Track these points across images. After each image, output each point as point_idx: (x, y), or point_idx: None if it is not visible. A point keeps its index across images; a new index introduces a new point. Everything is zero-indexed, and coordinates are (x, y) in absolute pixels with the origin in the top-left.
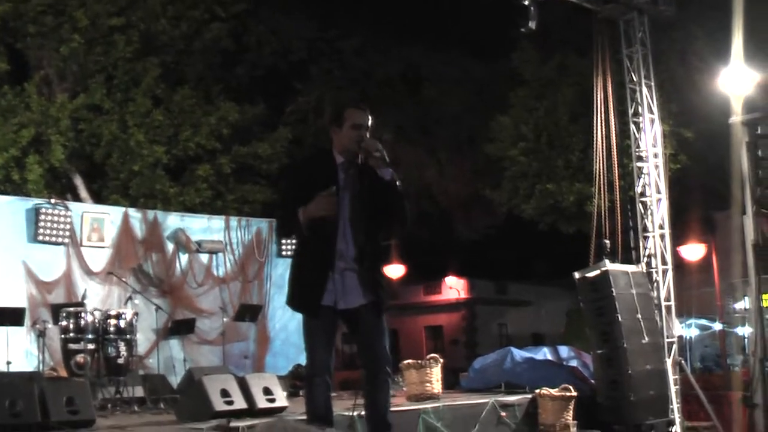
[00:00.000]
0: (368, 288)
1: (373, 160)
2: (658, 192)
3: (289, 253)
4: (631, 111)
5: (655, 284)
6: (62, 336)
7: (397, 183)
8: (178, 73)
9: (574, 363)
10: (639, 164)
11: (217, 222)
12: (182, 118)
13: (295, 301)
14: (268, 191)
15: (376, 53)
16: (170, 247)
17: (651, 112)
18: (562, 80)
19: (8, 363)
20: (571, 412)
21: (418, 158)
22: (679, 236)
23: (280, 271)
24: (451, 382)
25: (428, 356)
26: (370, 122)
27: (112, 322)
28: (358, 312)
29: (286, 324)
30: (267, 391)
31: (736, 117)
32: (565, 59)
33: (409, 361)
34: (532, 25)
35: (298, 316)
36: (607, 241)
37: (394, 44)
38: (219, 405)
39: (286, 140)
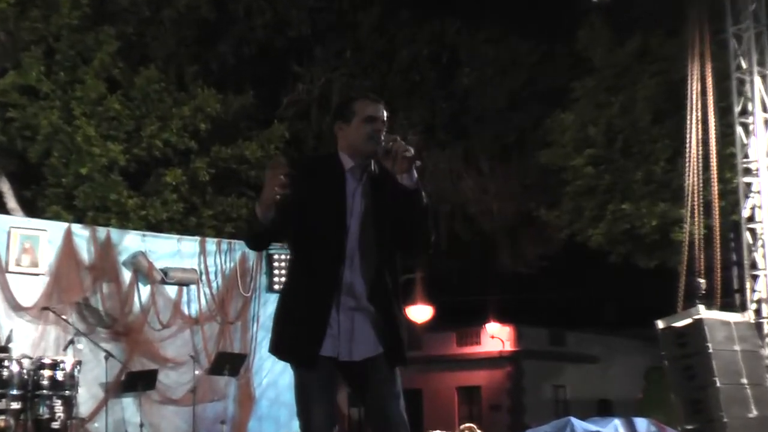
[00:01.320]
0: (382, 334)
1: (396, 162)
2: None
3: (280, 287)
4: (737, 109)
5: (767, 339)
6: None
7: (423, 194)
8: (141, 49)
9: None
10: (746, 179)
11: (190, 244)
12: (146, 107)
13: (283, 347)
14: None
15: (399, 29)
16: (127, 275)
17: (765, 110)
18: (642, 68)
19: None
20: None
21: (451, 167)
22: None
23: (271, 310)
24: None
25: (462, 426)
26: (385, 116)
27: (46, 373)
28: (367, 365)
29: (276, 379)
30: None
31: None
32: (648, 40)
33: (437, 431)
34: None
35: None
36: (702, 280)
37: (422, 18)
38: None
39: (281, 140)
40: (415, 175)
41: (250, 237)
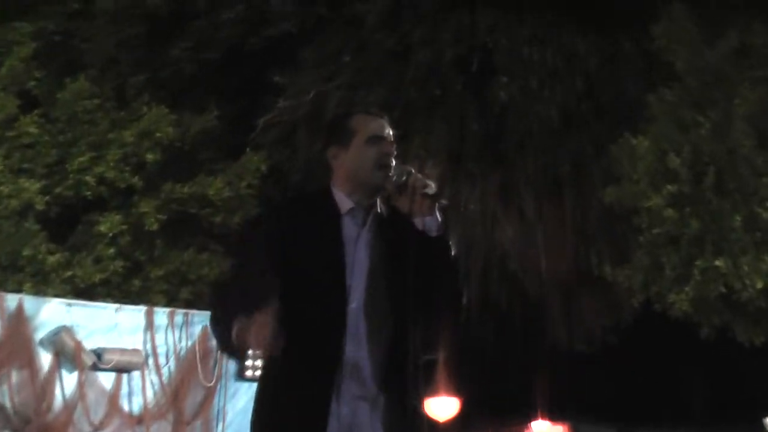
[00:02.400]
0: (396, 430)
1: (414, 202)
2: None
3: (256, 374)
4: None
5: None
6: None
7: (450, 243)
8: (67, 53)
9: None
10: None
11: (132, 316)
12: (73, 131)
13: None
14: (224, 262)
15: (415, 26)
16: (46, 359)
17: None
18: (741, 74)
19: None
20: None
21: (484, 208)
22: None
23: (242, 405)
24: None
25: None
26: (392, 134)
27: None
28: None
29: None
30: None
31: None
32: (747, 37)
33: None
34: None
35: None
36: None
37: (445, 10)
38: None
39: (256, 174)
40: (439, 217)
41: (225, 345)
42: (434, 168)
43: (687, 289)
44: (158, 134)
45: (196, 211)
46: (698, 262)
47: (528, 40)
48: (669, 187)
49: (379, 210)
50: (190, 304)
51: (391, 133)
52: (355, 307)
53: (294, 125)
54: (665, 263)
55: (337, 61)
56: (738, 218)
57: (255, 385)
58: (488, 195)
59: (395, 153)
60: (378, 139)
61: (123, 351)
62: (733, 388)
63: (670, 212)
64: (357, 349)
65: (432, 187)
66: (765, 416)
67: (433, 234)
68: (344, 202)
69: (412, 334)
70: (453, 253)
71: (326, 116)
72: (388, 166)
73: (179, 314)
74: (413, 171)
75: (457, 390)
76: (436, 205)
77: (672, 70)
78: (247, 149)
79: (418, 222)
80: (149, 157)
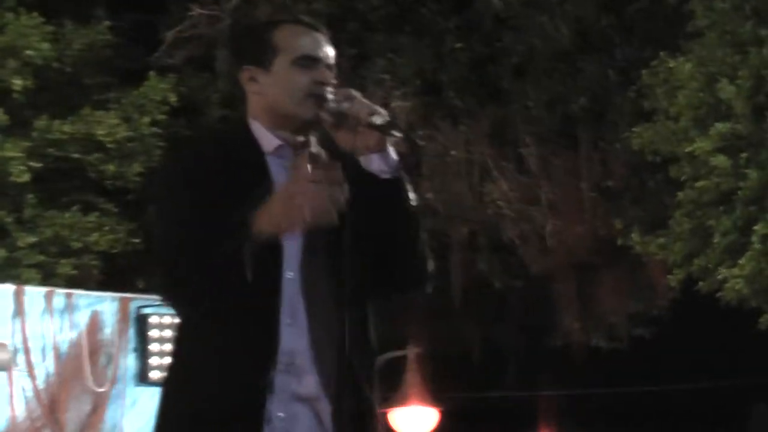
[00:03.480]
0: None
1: (357, 135)
2: None
3: (161, 376)
4: None
5: None
6: None
7: (406, 188)
8: None
9: None
10: None
11: None
12: None
13: None
14: (119, 225)
15: None
16: None
17: None
18: None
19: None
20: None
21: (470, 156)
22: None
23: (145, 417)
24: None
25: None
26: (333, 57)
27: None
28: None
29: None
30: None
31: None
32: None
33: None
34: None
35: None
36: None
37: None
38: None
39: (161, 106)
40: (393, 155)
41: (188, 290)
42: (403, 100)
43: (742, 262)
44: (28, 52)
45: (81, 156)
46: (757, 227)
47: None
48: (719, 125)
49: (313, 149)
50: (73, 282)
51: (329, 52)
52: (292, 278)
53: (212, 41)
54: (714, 228)
55: None
56: None
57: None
58: (476, 138)
59: (334, 80)
60: (310, 60)
61: None
62: None
63: (720, 159)
64: (294, 335)
65: (381, 114)
66: None
67: (384, 176)
68: (267, 139)
69: (366, 315)
70: (412, 204)
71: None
72: (322, 97)
73: (59, 295)
74: (356, 96)
75: (434, 398)
76: (387, 138)
77: None
78: (151, 73)
79: (364, 161)
80: (15, 83)
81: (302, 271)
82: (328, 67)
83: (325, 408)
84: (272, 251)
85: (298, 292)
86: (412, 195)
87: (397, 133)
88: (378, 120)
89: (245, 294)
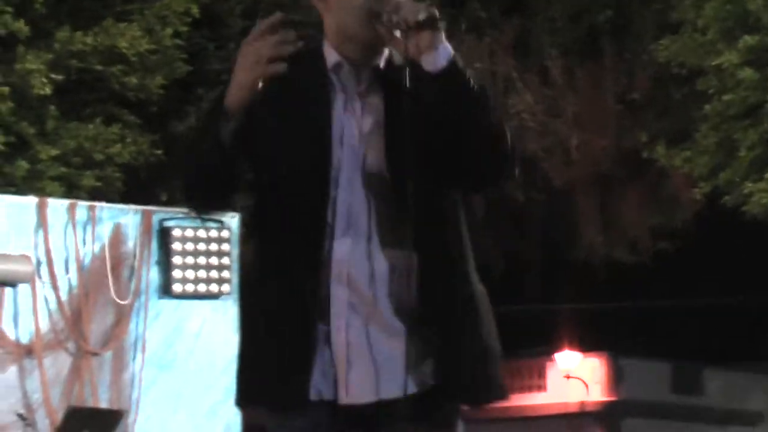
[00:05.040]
0: (426, 360)
1: (409, 37)
2: None
3: (189, 287)
4: None
5: None
6: None
7: (470, 78)
8: None
9: None
10: None
11: (19, 211)
12: None
13: (250, 392)
14: (141, 138)
15: None
16: None
17: None
18: None
19: None
20: None
21: (494, 68)
22: None
23: (168, 330)
24: None
25: None
26: None
27: None
28: (391, 413)
29: None
30: None
31: None
32: None
33: None
34: None
35: None
36: None
37: None
38: None
39: (184, 18)
40: (447, 48)
41: (195, 170)
42: (425, 12)
43: None
44: None
45: (103, 68)
46: None
47: None
48: (747, 38)
49: (381, 65)
50: (96, 195)
51: None
52: (347, 185)
53: None
54: (740, 141)
55: None
56: None
57: (184, 304)
58: (500, 50)
59: None
60: None
61: (5, 257)
62: None
63: (748, 72)
64: (349, 245)
65: (425, 11)
66: None
67: (439, 71)
68: (331, 56)
69: (455, 216)
70: (478, 90)
71: None
72: (379, 13)
73: (82, 208)
74: (401, 1)
75: None
76: (437, 32)
77: None
78: None
79: (426, 64)
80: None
81: (366, 179)
82: None
83: (382, 319)
84: (319, 167)
85: (357, 200)
86: (476, 85)
87: (441, 23)
88: (422, 16)
89: (293, 206)
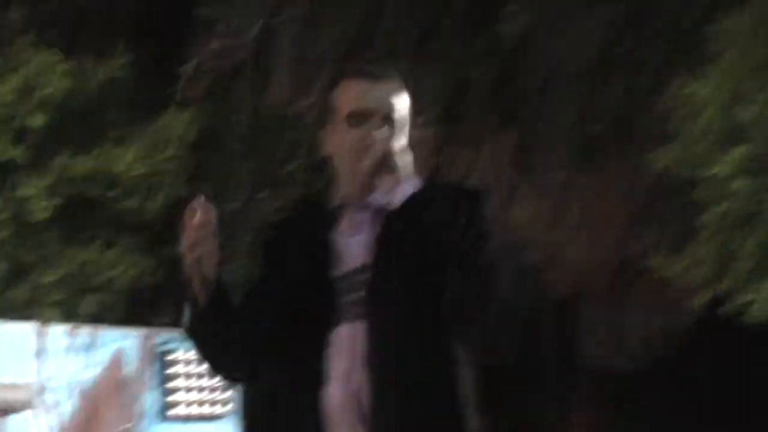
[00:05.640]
0: None
1: (378, 183)
2: None
3: (188, 410)
4: None
5: None
6: None
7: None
8: None
9: None
10: None
11: (18, 336)
12: None
13: None
14: (140, 260)
15: None
16: None
17: None
18: None
19: None
20: None
21: (493, 178)
22: None
23: None
24: None
25: None
26: (393, 102)
27: None
28: None
29: None
30: None
31: None
32: None
33: None
34: None
35: None
36: None
37: None
38: None
39: (182, 140)
40: (412, 186)
41: (199, 343)
42: (424, 127)
43: (766, 285)
44: (46, 89)
45: (101, 193)
46: None
47: None
48: (741, 148)
49: (377, 205)
50: (96, 319)
51: (388, 102)
52: (350, 338)
53: (232, 73)
54: (737, 250)
55: None
56: None
57: (185, 427)
58: (499, 162)
59: (397, 133)
60: (359, 116)
61: (3, 386)
62: None
63: (741, 182)
64: (342, 390)
65: (382, 144)
66: None
67: (404, 194)
68: (335, 199)
69: (454, 370)
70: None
71: (276, 59)
72: (375, 154)
73: (82, 332)
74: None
75: None
76: (398, 172)
77: None
78: (170, 108)
79: (398, 198)
80: (35, 120)
81: (369, 328)
82: (386, 118)
83: None
84: (315, 311)
85: (351, 344)
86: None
87: (402, 161)
88: (379, 150)
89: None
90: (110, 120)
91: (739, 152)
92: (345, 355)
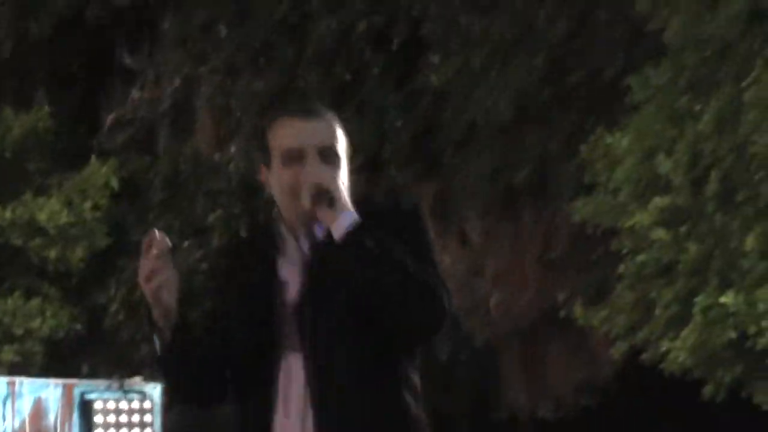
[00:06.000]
0: None
1: (319, 209)
2: None
3: None
4: None
5: None
6: None
7: (378, 240)
8: None
9: None
10: None
11: None
12: None
13: None
14: (62, 311)
15: None
16: None
17: None
18: (752, 46)
19: None
20: None
21: None
22: None
23: None
24: None
25: None
26: (324, 136)
27: None
28: None
29: None
30: None
31: None
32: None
33: None
34: None
35: None
36: None
37: None
38: None
39: (105, 190)
40: (348, 217)
41: (168, 373)
42: (316, 189)
43: (685, 334)
44: None
45: (23, 242)
46: (699, 299)
47: (468, 4)
48: (658, 199)
49: (319, 235)
50: (16, 370)
51: (320, 137)
52: (289, 363)
53: (154, 123)
54: (656, 300)
55: (211, 35)
56: (751, 239)
57: None
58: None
59: (329, 170)
60: (293, 154)
61: None
62: None
63: (660, 233)
64: (290, 426)
65: (315, 188)
66: None
67: (341, 235)
68: (282, 229)
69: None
70: (384, 253)
71: (196, 111)
72: (308, 192)
73: (1, 383)
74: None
75: None
76: (335, 204)
77: (660, 43)
78: (93, 157)
79: (334, 233)
80: None
81: (302, 342)
82: (321, 152)
83: None
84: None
85: (293, 374)
86: (381, 247)
87: (340, 198)
88: (316, 192)
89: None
90: (32, 169)
91: (658, 202)
92: (289, 384)
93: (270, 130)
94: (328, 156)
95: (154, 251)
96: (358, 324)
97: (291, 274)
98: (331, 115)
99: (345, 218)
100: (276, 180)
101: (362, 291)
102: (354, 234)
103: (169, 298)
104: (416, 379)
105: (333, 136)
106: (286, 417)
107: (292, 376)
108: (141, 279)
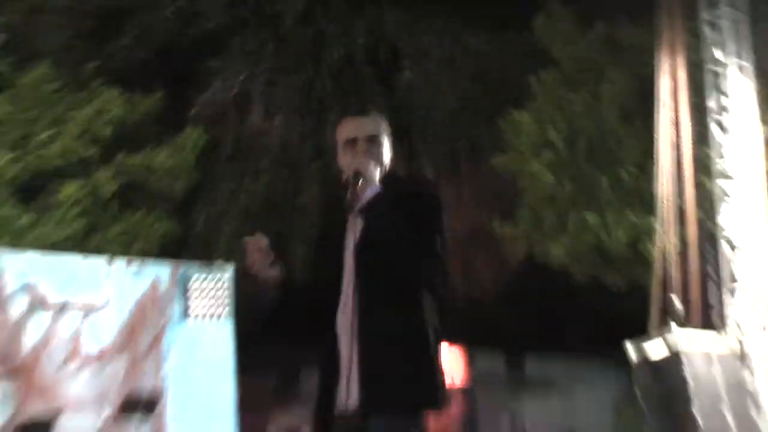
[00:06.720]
0: (370, 380)
1: (356, 184)
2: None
3: (201, 312)
4: (714, 105)
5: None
6: None
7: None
8: (29, 43)
9: None
10: (724, 183)
11: (94, 266)
12: (38, 109)
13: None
14: (169, 221)
15: (329, 21)
16: (17, 305)
17: (745, 107)
18: (609, 60)
19: None
20: None
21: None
22: None
23: (185, 342)
24: None
25: None
26: (370, 129)
27: None
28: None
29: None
30: None
31: None
32: (614, 29)
33: None
34: None
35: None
36: (676, 298)
37: (356, 7)
38: None
39: (195, 146)
40: (373, 190)
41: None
42: (353, 171)
43: (562, 239)
44: (112, 112)
45: (146, 178)
46: (571, 217)
47: (428, 33)
48: (547, 154)
49: (359, 200)
50: (142, 256)
51: (368, 128)
52: (346, 303)
53: (226, 104)
54: (544, 219)
55: (261, 51)
56: (605, 180)
57: (198, 322)
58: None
59: (371, 151)
60: (350, 143)
61: (86, 296)
62: (601, 322)
63: (548, 176)
64: (347, 347)
65: (357, 164)
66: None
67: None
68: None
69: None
70: (390, 220)
71: (253, 96)
72: (359, 171)
73: (134, 265)
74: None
75: None
76: (367, 180)
77: (549, 56)
78: (187, 126)
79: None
80: (104, 132)
81: (357, 270)
82: (369, 138)
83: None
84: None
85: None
86: (387, 214)
87: (369, 174)
88: (352, 172)
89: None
90: (151, 132)
91: (547, 157)
92: (347, 299)
93: (339, 126)
94: (373, 143)
95: (255, 245)
96: (385, 263)
97: (352, 226)
98: (375, 114)
99: (370, 191)
100: (341, 161)
101: (381, 242)
102: (372, 203)
103: (270, 274)
104: (432, 303)
105: (376, 129)
106: (343, 314)
107: (349, 291)
108: (247, 266)
